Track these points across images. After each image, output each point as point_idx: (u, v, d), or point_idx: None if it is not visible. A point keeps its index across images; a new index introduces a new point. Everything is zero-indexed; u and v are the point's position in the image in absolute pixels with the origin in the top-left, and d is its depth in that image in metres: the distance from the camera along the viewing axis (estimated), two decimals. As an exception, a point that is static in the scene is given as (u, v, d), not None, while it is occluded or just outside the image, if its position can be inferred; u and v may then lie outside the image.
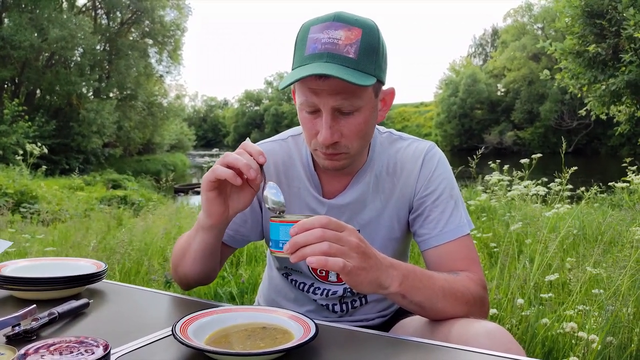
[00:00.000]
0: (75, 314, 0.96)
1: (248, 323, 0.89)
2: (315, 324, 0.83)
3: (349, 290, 1.16)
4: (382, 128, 1.18)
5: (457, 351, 0.80)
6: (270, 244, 0.88)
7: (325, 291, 1.17)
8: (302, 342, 0.77)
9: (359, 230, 1.11)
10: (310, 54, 0.93)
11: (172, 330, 0.79)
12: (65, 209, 6.85)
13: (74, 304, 0.96)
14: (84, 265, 1.17)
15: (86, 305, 0.98)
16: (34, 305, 0.89)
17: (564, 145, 4.00)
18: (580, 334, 1.57)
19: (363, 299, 1.19)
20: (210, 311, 0.90)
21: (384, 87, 1.04)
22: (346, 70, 0.90)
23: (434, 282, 0.93)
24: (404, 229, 1.14)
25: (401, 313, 1.21)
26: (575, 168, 3.70)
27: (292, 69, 0.97)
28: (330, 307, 1.18)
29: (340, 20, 0.93)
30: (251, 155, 0.92)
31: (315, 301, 1.19)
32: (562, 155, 3.94)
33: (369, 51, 0.94)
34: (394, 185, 1.12)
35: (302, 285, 1.19)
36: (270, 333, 0.85)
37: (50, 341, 0.71)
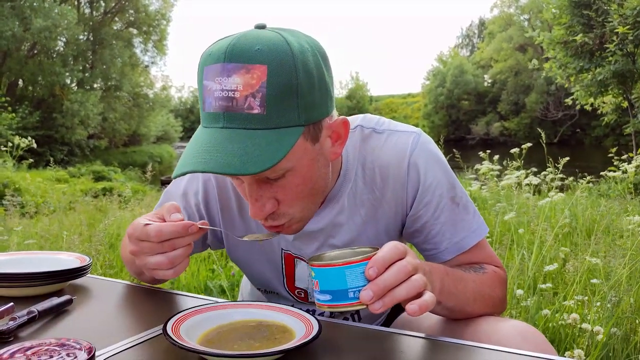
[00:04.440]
0: (57, 312, 0.89)
1: (245, 320, 0.83)
2: (318, 322, 0.77)
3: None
4: (351, 121, 0.95)
5: (489, 351, 0.73)
6: (329, 298, 0.68)
7: (310, 312, 1.09)
8: (303, 341, 0.71)
9: None
10: (207, 112, 0.72)
11: (162, 330, 0.72)
12: (49, 202, 6.71)
13: (56, 301, 0.89)
14: (66, 260, 1.10)
15: (69, 302, 0.92)
16: (12, 303, 0.82)
17: (543, 136, 4.09)
18: (584, 325, 1.54)
19: (355, 316, 1.06)
20: (204, 307, 0.84)
21: (331, 120, 0.80)
22: (252, 137, 0.69)
23: (465, 285, 0.84)
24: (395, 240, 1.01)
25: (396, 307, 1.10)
26: (568, 158, 3.71)
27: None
28: None
29: (233, 59, 0.69)
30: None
31: None
32: (544, 146, 4.01)
33: (283, 94, 0.69)
34: (375, 196, 0.93)
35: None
36: (268, 331, 0.79)
37: (27, 344, 0.65)
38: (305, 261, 0.99)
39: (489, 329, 0.82)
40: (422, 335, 0.80)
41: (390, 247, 0.68)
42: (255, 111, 0.69)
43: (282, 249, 1.00)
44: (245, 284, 1.28)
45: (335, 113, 0.82)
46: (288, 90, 0.70)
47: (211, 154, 0.69)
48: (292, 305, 1.04)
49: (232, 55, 0.69)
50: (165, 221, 0.79)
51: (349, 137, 0.92)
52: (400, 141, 0.91)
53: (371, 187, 0.92)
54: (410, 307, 0.66)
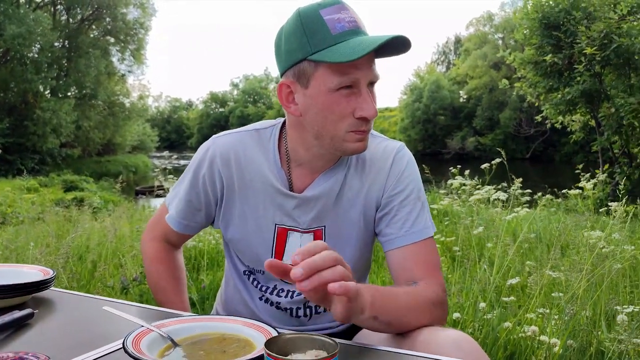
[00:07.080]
0: (18, 326, 0.89)
1: (206, 333, 0.84)
2: (278, 332, 0.80)
3: None
4: None
5: (424, 359, 0.78)
6: None
7: (290, 293, 1.13)
8: (258, 354, 0.73)
9: (324, 226, 1.10)
10: (340, 32, 0.94)
11: (122, 344, 0.73)
12: (17, 212, 6.55)
13: (17, 314, 0.89)
14: (29, 272, 1.09)
15: (30, 316, 0.92)
16: (-29, 317, 0.82)
17: (503, 154, 4.17)
18: (542, 337, 1.58)
19: (309, 310, 1.16)
20: (166, 322, 0.85)
21: None
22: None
23: (398, 299, 0.92)
24: (370, 229, 1.12)
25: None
26: (521, 179, 3.83)
27: (317, 50, 0.93)
28: (294, 311, 1.14)
29: (344, 3, 0.98)
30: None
31: (277, 308, 1.15)
32: (505, 163, 4.12)
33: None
34: (362, 183, 1.10)
35: (264, 288, 1.15)
36: (230, 343, 0.81)
37: (-16, 358, 0.65)
38: (299, 231, 1.09)
39: (426, 339, 0.87)
40: (364, 344, 0.85)
41: (313, 242, 0.77)
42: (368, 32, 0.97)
43: (275, 224, 1.10)
44: (220, 298, 1.30)
45: None
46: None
47: (379, 38, 0.90)
48: (275, 286, 1.14)
49: (342, 2, 0.97)
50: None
51: None
52: (390, 145, 1.13)
53: (360, 175, 1.10)
54: (332, 285, 0.72)
